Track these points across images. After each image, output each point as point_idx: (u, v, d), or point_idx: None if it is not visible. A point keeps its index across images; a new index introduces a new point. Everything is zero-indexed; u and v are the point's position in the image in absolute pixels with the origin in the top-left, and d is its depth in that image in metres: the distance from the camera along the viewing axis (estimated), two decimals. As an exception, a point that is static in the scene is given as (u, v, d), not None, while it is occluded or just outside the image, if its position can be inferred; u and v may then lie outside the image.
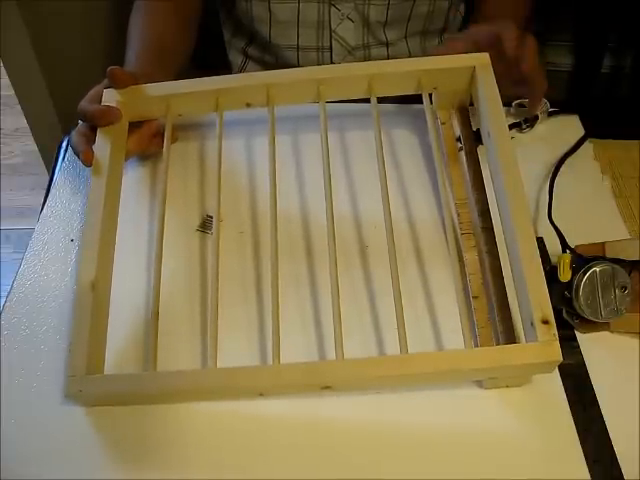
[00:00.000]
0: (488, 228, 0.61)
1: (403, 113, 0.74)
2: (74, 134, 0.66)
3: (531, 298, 0.51)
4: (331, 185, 0.60)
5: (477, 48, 0.64)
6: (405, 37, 0.86)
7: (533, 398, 0.54)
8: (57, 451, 0.51)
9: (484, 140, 0.63)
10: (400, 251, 0.59)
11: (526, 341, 0.52)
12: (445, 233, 0.58)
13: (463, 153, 0.66)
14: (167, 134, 0.65)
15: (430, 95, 0.66)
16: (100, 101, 0.65)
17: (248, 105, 0.66)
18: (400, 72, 0.65)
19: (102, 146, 0.63)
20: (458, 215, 0.63)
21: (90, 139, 0.64)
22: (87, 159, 0.62)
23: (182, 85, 0.66)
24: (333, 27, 0.83)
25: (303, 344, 0.57)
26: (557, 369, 0.54)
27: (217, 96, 0.66)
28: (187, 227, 0.66)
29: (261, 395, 0.52)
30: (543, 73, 0.65)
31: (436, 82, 0.65)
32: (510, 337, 0.55)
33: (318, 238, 0.64)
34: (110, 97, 0.66)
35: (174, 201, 0.67)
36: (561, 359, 0.49)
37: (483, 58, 0.63)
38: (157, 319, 0.55)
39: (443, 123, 0.69)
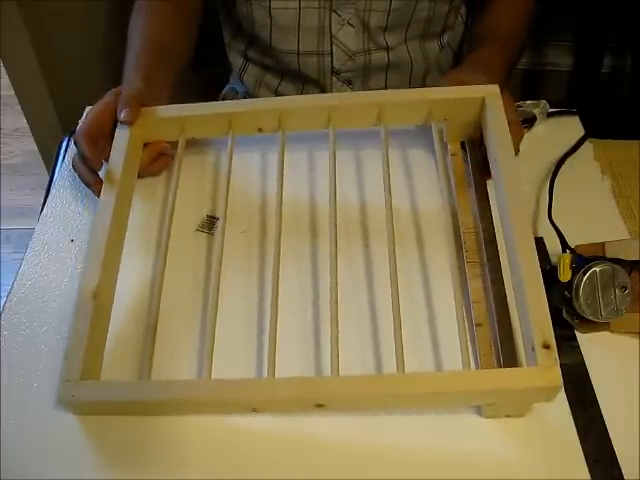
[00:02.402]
0: (494, 257, 0.60)
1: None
2: (77, 163, 0.66)
3: (532, 322, 0.50)
4: (336, 207, 0.60)
5: None
6: (405, 41, 0.86)
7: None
8: (56, 451, 0.51)
9: (491, 166, 0.63)
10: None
11: (527, 367, 0.51)
12: (449, 257, 0.57)
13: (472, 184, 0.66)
14: (179, 154, 0.66)
15: (439, 127, 0.66)
16: (98, 124, 0.65)
17: (260, 130, 0.68)
18: (411, 101, 0.65)
19: (116, 162, 0.63)
20: (464, 243, 0.62)
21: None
22: (98, 190, 0.63)
23: (196, 108, 0.68)
24: (334, 32, 0.83)
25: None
26: (565, 398, 0.53)
27: (230, 119, 0.67)
28: (186, 227, 0.66)
29: (254, 411, 0.51)
30: (519, 127, 0.67)
31: (447, 112, 0.66)
32: (512, 365, 0.54)
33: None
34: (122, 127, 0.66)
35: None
36: (561, 384, 0.48)
37: (492, 89, 0.64)
38: (155, 331, 0.55)
39: (453, 154, 0.69)
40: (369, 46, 0.85)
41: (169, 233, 0.61)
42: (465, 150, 0.69)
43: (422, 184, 0.69)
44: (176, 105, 0.68)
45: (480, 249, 0.61)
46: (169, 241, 0.61)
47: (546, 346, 0.49)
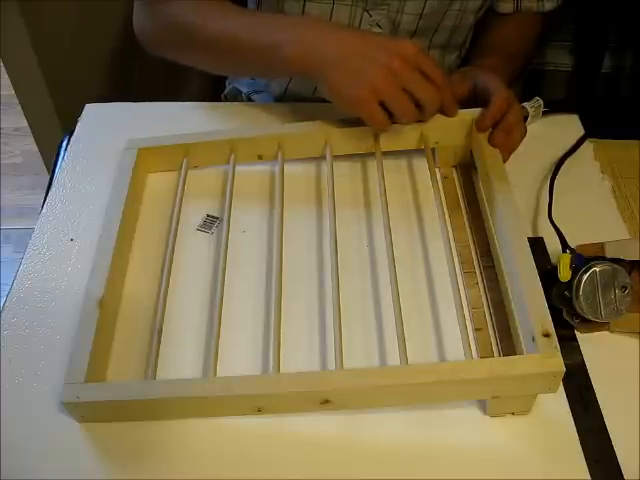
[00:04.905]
0: (490, 267, 0.62)
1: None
2: (369, 99, 0.60)
3: (531, 313, 0.51)
4: (336, 227, 0.61)
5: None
6: (428, 48, 0.86)
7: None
8: (56, 451, 0.51)
9: (481, 180, 0.66)
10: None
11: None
12: (447, 264, 0.58)
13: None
14: (182, 177, 0.67)
15: (432, 152, 0.68)
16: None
17: (260, 158, 0.69)
18: (404, 125, 0.66)
19: (120, 190, 0.65)
20: (460, 255, 0.63)
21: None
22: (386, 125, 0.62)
23: (197, 136, 0.69)
24: None
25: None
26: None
27: (231, 146, 0.68)
28: (187, 227, 0.66)
29: (259, 411, 0.51)
30: (522, 131, 0.66)
31: (438, 136, 0.68)
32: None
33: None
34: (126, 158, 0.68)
35: (173, 202, 0.67)
36: (563, 370, 0.48)
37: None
38: (160, 333, 0.55)
39: (445, 177, 0.71)
40: None
41: (176, 231, 0.62)
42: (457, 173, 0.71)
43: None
44: (176, 135, 0.70)
45: (475, 261, 0.63)
46: (170, 240, 0.61)
47: (546, 334, 0.49)
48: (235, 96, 0.99)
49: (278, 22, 0.69)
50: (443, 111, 0.65)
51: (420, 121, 0.66)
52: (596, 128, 0.75)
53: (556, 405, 0.53)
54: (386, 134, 0.67)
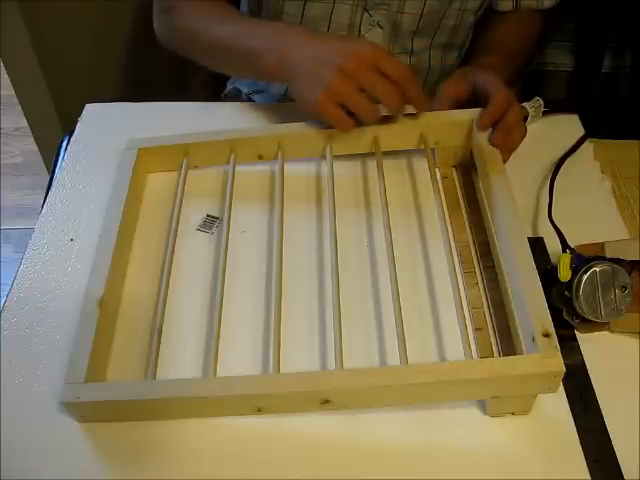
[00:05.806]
0: (490, 267, 0.62)
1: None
2: (326, 101, 0.62)
3: (531, 313, 0.51)
4: (336, 227, 0.61)
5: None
6: (430, 48, 0.86)
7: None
8: (56, 451, 0.51)
9: (481, 180, 0.66)
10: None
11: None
12: (447, 264, 0.58)
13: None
14: (182, 176, 0.67)
15: (432, 152, 0.68)
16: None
17: (260, 157, 0.69)
18: (403, 126, 0.67)
19: (120, 190, 0.65)
20: (460, 255, 0.63)
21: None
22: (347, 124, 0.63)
23: (197, 136, 0.70)
24: (362, 32, 0.82)
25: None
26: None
27: (231, 146, 0.68)
28: (187, 227, 0.66)
29: (259, 411, 0.51)
30: (522, 131, 0.66)
31: (438, 136, 0.68)
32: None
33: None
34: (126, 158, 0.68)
35: (173, 202, 0.67)
36: (563, 370, 0.48)
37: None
38: (160, 333, 0.55)
39: (445, 177, 0.71)
40: (394, 49, 0.85)
41: (176, 231, 0.62)
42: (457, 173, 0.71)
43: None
44: (176, 135, 0.70)
45: (475, 261, 0.63)
46: (170, 240, 0.61)
47: (546, 334, 0.49)
48: (235, 96, 0.99)
49: (260, 30, 0.71)
50: (414, 106, 0.65)
51: (386, 120, 0.66)
52: (596, 128, 0.75)
53: (556, 405, 0.53)
54: (386, 134, 0.67)
